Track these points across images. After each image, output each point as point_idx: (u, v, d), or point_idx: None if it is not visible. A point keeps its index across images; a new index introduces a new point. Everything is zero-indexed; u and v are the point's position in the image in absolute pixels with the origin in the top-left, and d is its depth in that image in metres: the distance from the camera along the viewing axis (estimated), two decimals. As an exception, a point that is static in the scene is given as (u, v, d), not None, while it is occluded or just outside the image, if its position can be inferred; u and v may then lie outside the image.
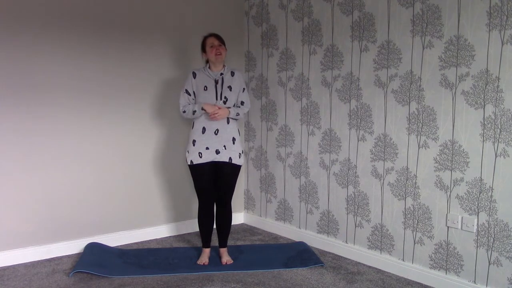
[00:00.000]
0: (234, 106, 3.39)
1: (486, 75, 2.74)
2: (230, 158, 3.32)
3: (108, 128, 3.74)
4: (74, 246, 3.62)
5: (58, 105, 3.49)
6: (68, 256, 3.55)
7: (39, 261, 3.44)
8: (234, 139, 3.35)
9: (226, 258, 3.44)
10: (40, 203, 3.47)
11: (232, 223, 4.46)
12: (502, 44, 2.66)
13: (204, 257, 3.45)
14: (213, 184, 3.39)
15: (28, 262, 3.41)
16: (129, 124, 3.85)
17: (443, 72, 2.94)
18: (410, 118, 3.13)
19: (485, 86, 2.74)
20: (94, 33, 3.61)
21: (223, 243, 3.50)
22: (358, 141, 3.48)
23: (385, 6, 3.23)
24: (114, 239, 3.81)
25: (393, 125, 3.24)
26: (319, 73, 3.74)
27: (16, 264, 3.37)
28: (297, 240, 3.98)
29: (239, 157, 3.36)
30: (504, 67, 2.66)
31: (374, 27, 3.31)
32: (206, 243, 3.49)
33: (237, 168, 3.39)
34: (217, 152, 3.31)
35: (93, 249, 3.55)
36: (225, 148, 3.31)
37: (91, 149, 3.67)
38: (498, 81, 2.68)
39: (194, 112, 3.29)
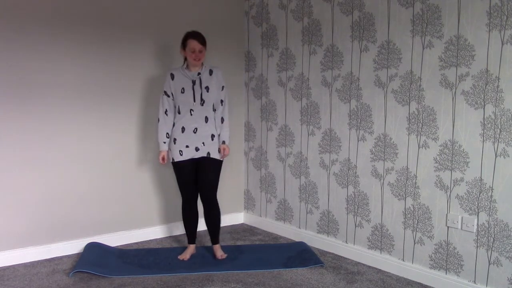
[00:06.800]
0: (213, 107, 3.39)
1: (486, 75, 2.73)
2: (208, 153, 3.37)
3: (107, 128, 3.74)
4: (74, 246, 3.62)
5: (58, 104, 3.49)
6: (68, 256, 3.55)
7: (39, 261, 3.44)
8: (213, 136, 3.39)
9: (219, 253, 3.50)
10: (40, 203, 3.47)
11: (232, 223, 4.48)
12: (502, 44, 2.66)
13: (186, 253, 3.51)
14: (195, 181, 3.44)
15: (28, 262, 3.41)
16: (129, 124, 3.85)
17: (443, 72, 2.94)
18: (410, 118, 3.13)
19: (485, 86, 2.74)
20: (94, 32, 3.61)
21: (214, 240, 3.54)
22: (358, 141, 3.48)
23: (385, 6, 3.23)
24: (114, 239, 3.81)
25: (393, 125, 3.24)
26: (319, 73, 3.74)
27: (16, 264, 3.37)
28: (297, 240, 3.98)
29: (219, 152, 3.41)
30: (504, 67, 2.66)
31: (374, 27, 3.31)
32: (190, 239, 3.55)
33: (216, 162, 3.42)
34: (197, 149, 3.37)
35: (93, 249, 3.55)
36: (204, 145, 3.37)
37: (91, 149, 3.67)
38: (498, 81, 2.68)
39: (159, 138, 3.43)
